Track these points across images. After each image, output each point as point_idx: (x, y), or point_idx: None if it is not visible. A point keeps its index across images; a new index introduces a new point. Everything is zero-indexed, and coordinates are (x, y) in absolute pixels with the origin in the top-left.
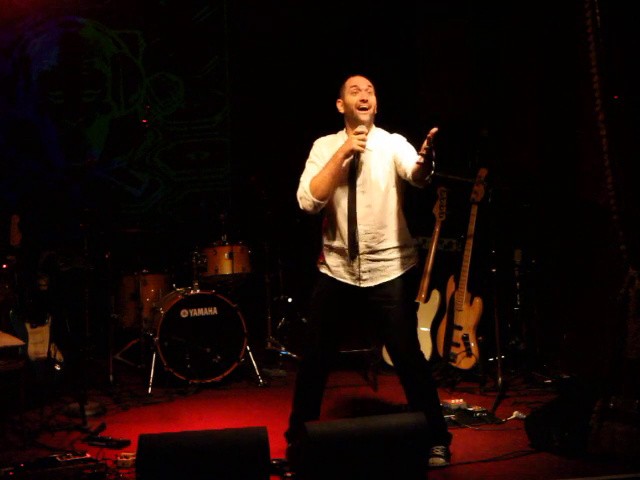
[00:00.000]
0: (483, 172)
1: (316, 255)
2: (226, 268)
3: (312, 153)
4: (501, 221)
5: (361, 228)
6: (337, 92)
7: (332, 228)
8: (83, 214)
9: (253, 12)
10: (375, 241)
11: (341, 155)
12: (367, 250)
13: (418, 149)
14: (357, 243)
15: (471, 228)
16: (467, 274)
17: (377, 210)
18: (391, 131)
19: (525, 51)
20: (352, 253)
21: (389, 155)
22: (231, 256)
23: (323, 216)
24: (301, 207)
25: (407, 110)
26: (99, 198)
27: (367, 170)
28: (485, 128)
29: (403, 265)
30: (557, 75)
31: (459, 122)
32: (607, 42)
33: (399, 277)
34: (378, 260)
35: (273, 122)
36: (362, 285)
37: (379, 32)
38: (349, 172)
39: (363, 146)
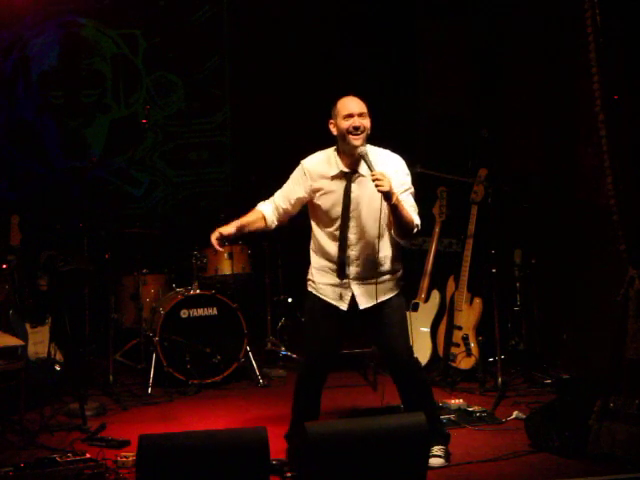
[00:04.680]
0: (483, 172)
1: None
2: (226, 268)
3: (294, 174)
4: (501, 221)
5: (352, 253)
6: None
7: (322, 250)
8: (83, 214)
9: (253, 12)
10: (364, 267)
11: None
12: (356, 275)
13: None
14: (347, 267)
15: (471, 228)
16: (467, 274)
17: (369, 236)
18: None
19: (525, 51)
20: (341, 277)
21: None
22: (231, 256)
23: (312, 237)
24: None
25: (407, 110)
26: (99, 198)
27: (360, 195)
28: (485, 128)
29: (391, 290)
30: (557, 75)
31: (459, 122)
32: (607, 42)
33: (386, 300)
34: (367, 284)
35: (273, 122)
36: (347, 308)
37: (379, 32)
38: (343, 196)
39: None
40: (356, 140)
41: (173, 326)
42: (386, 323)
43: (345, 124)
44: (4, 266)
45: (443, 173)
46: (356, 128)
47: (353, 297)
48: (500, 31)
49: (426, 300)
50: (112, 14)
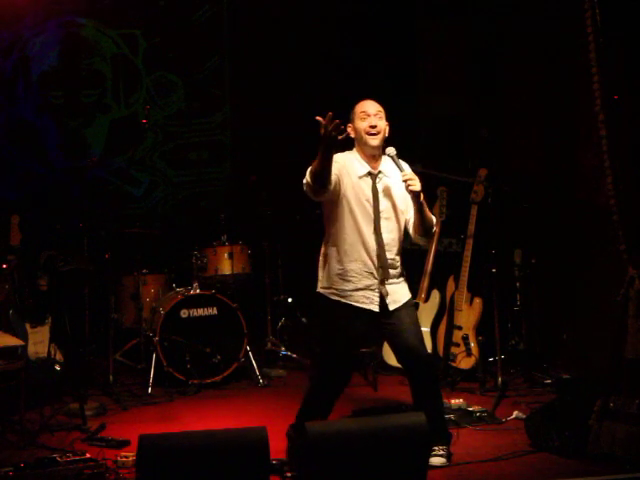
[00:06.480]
0: (483, 172)
1: (316, 279)
2: (226, 268)
3: None
4: (501, 221)
5: (385, 254)
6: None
7: (352, 253)
8: (83, 214)
9: (253, 12)
10: (392, 266)
11: (321, 149)
12: (389, 275)
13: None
14: (386, 269)
15: (471, 228)
16: (467, 274)
17: (396, 236)
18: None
19: (525, 51)
20: (381, 278)
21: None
22: (231, 256)
23: (330, 244)
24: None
25: (407, 110)
26: (99, 198)
27: (387, 196)
28: (485, 128)
29: (405, 287)
30: (557, 75)
31: (459, 122)
32: (607, 42)
33: (409, 299)
34: (394, 284)
35: (273, 122)
36: (382, 310)
37: (379, 32)
38: (372, 198)
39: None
40: (373, 140)
41: (173, 326)
42: (407, 322)
43: (362, 124)
44: (4, 266)
45: (443, 173)
46: (372, 126)
47: (382, 298)
48: (500, 31)
49: (426, 300)
50: (112, 14)
